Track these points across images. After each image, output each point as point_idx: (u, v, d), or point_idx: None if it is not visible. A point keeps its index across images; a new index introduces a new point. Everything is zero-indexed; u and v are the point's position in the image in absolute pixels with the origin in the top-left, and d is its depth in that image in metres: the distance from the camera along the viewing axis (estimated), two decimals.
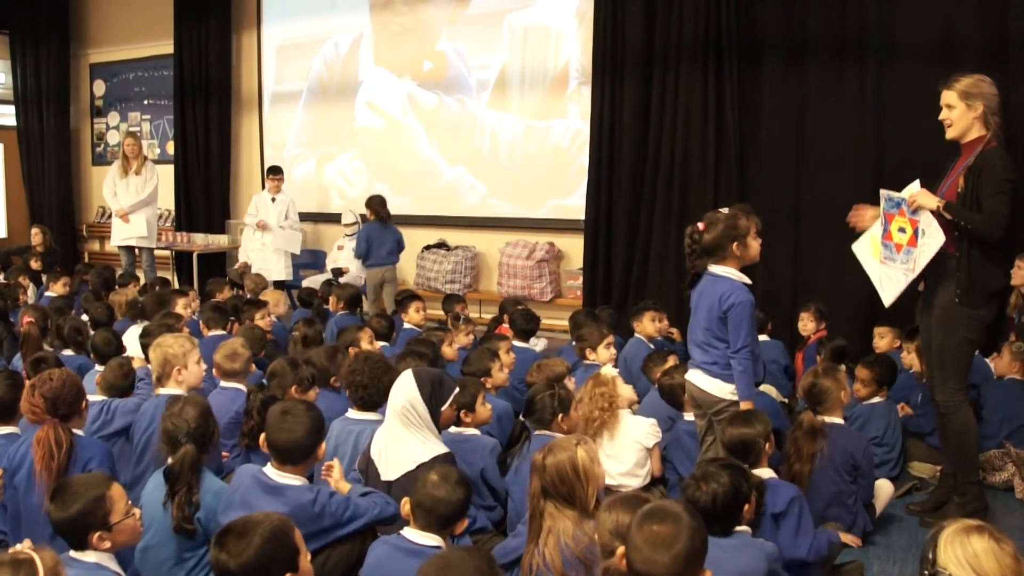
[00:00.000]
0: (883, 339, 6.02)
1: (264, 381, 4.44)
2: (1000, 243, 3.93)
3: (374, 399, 3.94)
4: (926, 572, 2.07)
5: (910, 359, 5.49)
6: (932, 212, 3.88)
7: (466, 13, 9.19)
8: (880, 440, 4.86)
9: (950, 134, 4.02)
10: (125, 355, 4.98)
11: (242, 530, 2.41)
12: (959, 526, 2.20)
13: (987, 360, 5.38)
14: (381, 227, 8.35)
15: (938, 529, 2.22)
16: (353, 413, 3.99)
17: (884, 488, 4.34)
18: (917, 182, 4.01)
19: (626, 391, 4.29)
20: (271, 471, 3.16)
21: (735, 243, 3.73)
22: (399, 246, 8.46)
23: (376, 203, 8.43)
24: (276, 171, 9.47)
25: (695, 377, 3.87)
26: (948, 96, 3.97)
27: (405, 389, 3.48)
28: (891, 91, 6.58)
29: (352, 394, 4.00)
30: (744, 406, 3.70)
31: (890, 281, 4.12)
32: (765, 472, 3.42)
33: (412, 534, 2.84)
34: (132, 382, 4.43)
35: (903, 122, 6.35)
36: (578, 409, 4.08)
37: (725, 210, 3.80)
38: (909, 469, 4.98)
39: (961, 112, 3.94)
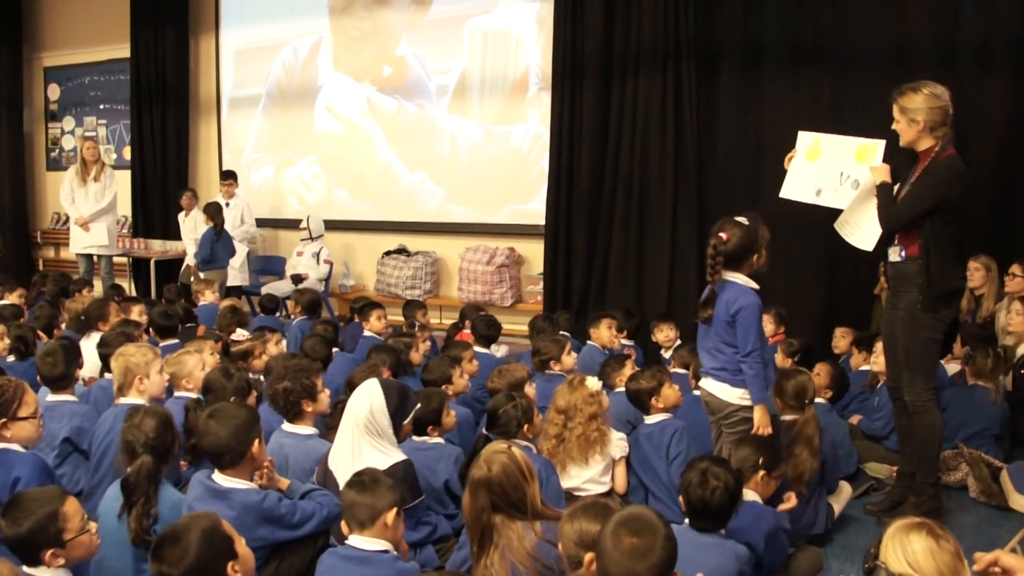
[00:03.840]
0: (844, 339, 6.09)
1: (201, 397, 4.37)
2: (952, 247, 3.98)
3: (299, 402, 3.86)
4: (867, 565, 2.12)
5: (857, 361, 5.57)
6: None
7: (426, 18, 9.16)
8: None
9: (901, 142, 4.09)
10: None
11: (174, 537, 2.38)
12: (903, 523, 2.25)
13: (942, 362, 5.44)
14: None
15: (885, 526, 2.26)
16: (287, 426, 3.91)
17: (842, 489, 4.41)
18: (882, 141, 4.10)
19: (607, 402, 4.25)
20: (217, 476, 3.13)
21: (755, 254, 3.75)
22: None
23: (212, 210, 8.67)
24: (228, 176, 9.39)
25: (706, 383, 3.87)
26: (893, 108, 4.04)
27: (371, 398, 3.44)
28: (847, 96, 6.66)
29: (278, 404, 3.91)
30: (757, 410, 3.70)
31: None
32: (750, 495, 3.42)
33: (358, 541, 2.80)
34: (61, 374, 4.33)
35: (859, 127, 6.30)
36: (568, 427, 4.05)
37: (742, 219, 3.77)
38: (866, 470, 5.02)
39: (904, 125, 4.01)
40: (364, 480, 2.87)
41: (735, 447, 3.63)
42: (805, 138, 4.39)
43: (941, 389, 5.05)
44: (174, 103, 10.71)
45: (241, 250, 9.22)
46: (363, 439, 3.41)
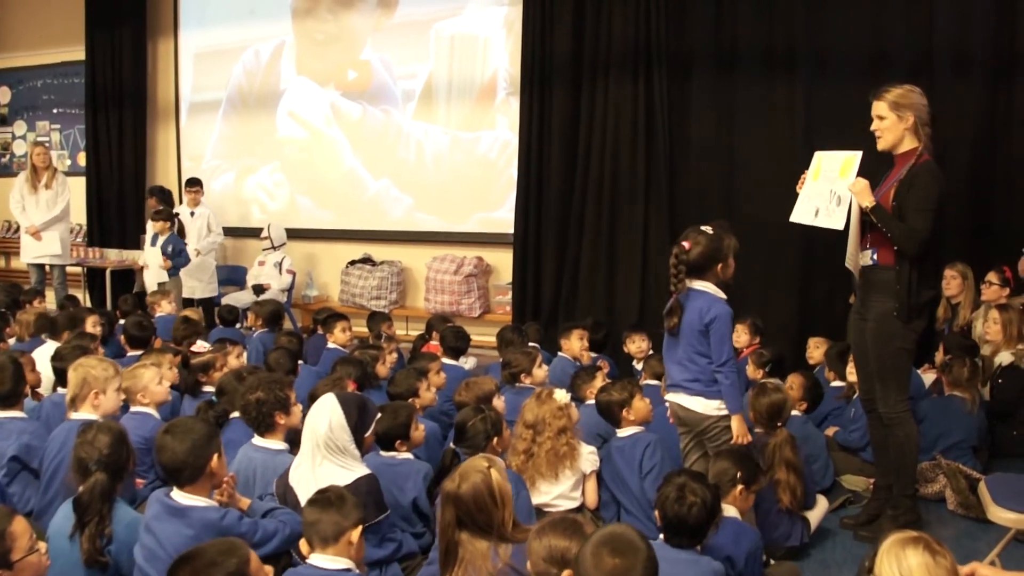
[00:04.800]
0: (818, 349, 6.11)
1: (214, 398, 4.36)
2: (928, 256, 3.99)
3: (272, 414, 3.83)
4: None
5: (831, 375, 5.60)
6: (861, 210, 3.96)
7: (391, 21, 9.14)
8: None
9: (881, 145, 4.07)
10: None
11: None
12: (899, 537, 2.25)
13: (919, 372, 5.48)
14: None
15: (882, 539, 2.27)
16: (257, 440, 3.88)
17: (819, 502, 4.42)
18: (859, 153, 4.05)
19: (576, 415, 4.23)
20: (176, 493, 3.09)
21: (719, 264, 3.76)
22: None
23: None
24: (193, 183, 9.29)
25: (678, 398, 3.87)
26: (879, 107, 4.02)
27: (329, 415, 3.41)
28: (821, 102, 6.72)
29: (250, 416, 3.87)
30: (735, 420, 3.73)
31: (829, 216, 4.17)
32: (729, 510, 3.41)
33: (320, 560, 2.77)
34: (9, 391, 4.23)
35: (833, 133, 6.39)
36: (537, 442, 4.03)
37: (707, 228, 3.80)
38: (842, 483, 5.03)
39: (892, 123, 3.99)
40: (329, 497, 2.84)
41: (712, 460, 3.63)
42: (815, 158, 4.35)
43: (918, 399, 5.10)
44: (131, 107, 10.58)
45: (209, 261, 9.12)
46: (325, 456, 3.38)
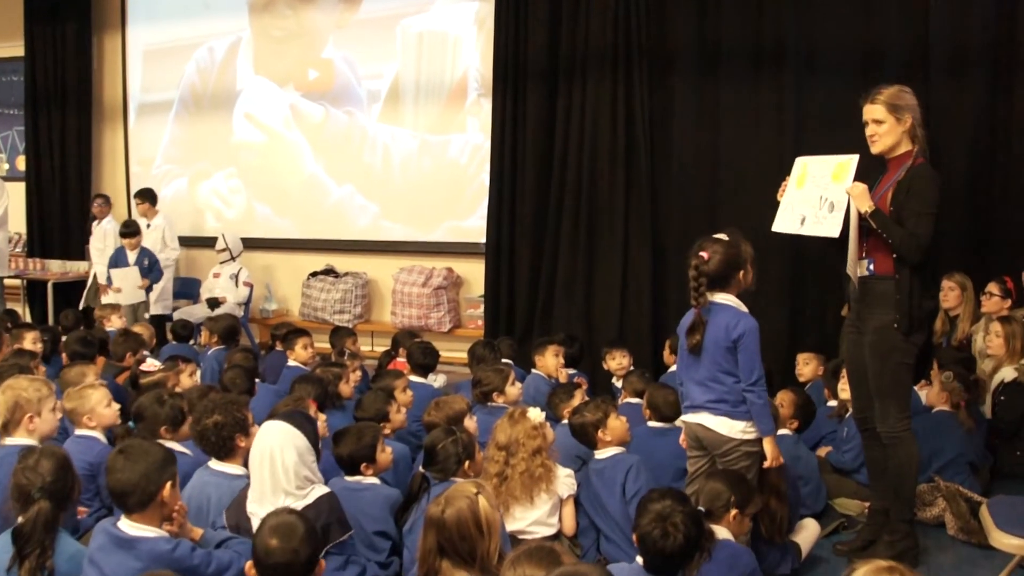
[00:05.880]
0: (808, 365, 6.13)
1: (131, 424, 4.30)
2: (927, 264, 4.02)
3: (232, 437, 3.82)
4: None
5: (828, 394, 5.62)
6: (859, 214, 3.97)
7: (355, 17, 9.14)
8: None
9: (876, 149, 4.09)
10: None
11: None
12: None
13: (916, 388, 5.49)
14: None
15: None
16: (214, 464, 3.85)
17: (810, 527, 4.40)
18: (856, 157, 4.06)
19: (552, 435, 4.22)
20: (124, 523, 3.04)
21: (740, 271, 3.76)
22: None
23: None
24: (144, 195, 9.23)
25: (700, 418, 3.82)
26: (874, 110, 4.04)
27: (292, 442, 3.40)
28: (811, 103, 6.77)
29: (209, 441, 3.84)
30: (767, 443, 3.72)
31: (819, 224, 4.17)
32: (721, 531, 3.41)
33: None
34: None
35: (824, 135, 6.44)
36: (510, 464, 4.02)
37: (721, 235, 3.79)
38: (835, 506, 5.04)
39: (890, 126, 4.01)
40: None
41: (705, 481, 3.62)
42: (798, 164, 4.36)
43: (914, 415, 5.11)
44: (75, 108, 10.51)
45: (167, 275, 9.06)
46: (283, 481, 3.36)
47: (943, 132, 6.10)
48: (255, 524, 3.29)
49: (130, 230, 8.45)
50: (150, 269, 8.43)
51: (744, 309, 3.77)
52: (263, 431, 3.51)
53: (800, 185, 4.27)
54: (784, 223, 4.28)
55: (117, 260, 8.56)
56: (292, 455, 3.37)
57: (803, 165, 4.32)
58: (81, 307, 9.14)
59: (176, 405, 4.21)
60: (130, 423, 4.37)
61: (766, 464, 3.75)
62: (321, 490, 3.41)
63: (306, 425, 3.50)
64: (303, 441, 3.41)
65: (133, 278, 8.41)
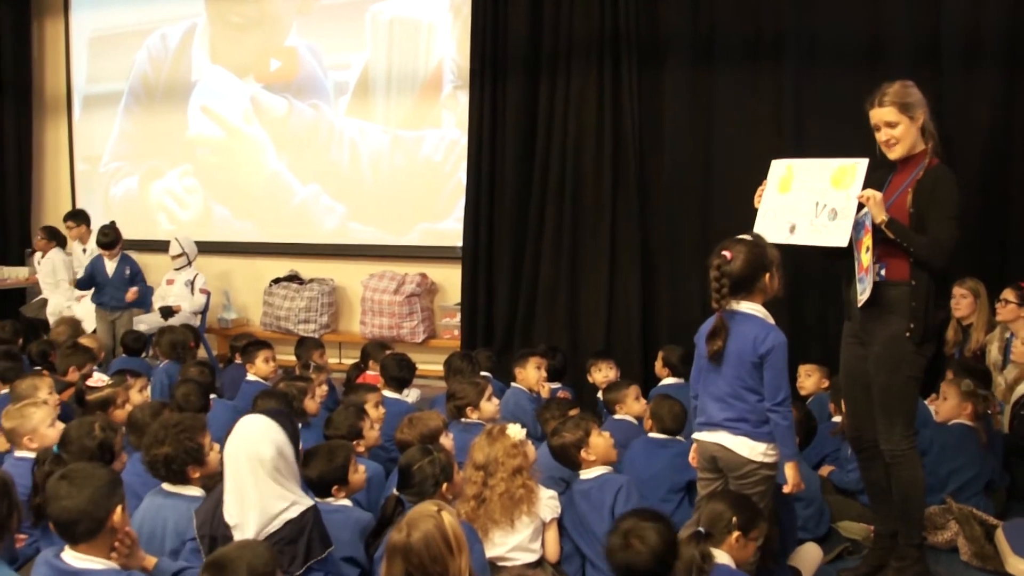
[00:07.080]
0: (810, 378, 6.13)
1: (55, 449, 4.22)
2: (944, 271, 4.02)
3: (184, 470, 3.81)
4: None
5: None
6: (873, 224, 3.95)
7: (321, 3, 9.14)
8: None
9: (896, 153, 4.05)
10: None
11: None
12: None
13: (926, 402, 5.49)
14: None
15: None
16: (168, 486, 3.83)
17: (811, 552, 4.38)
18: (865, 161, 4.02)
19: (533, 453, 4.19)
20: (68, 555, 3.00)
21: (766, 274, 3.72)
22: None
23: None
24: (75, 217, 9.18)
25: (718, 437, 3.77)
26: (884, 113, 4.01)
27: (271, 435, 3.35)
28: (812, 95, 6.76)
29: (159, 473, 3.83)
30: (790, 468, 3.70)
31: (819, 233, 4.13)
32: (721, 555, 3.38)
33: None
34: None
35: (826, 130, 6.45)
36: (488, 485, 3.99)
37: (744, 236, 3.77)
38: (840, 530, 5.02)
39: (905, 127, 3.98)
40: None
41: (706, 501, 3.61)
42: (777, 167, 4.33)
43: (926, 430, 5.10)
44: (12, 100, 10.47)
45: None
46: (266, 483, 3.31)
47: (955, 128, 6.09)
48: (237, 535, 3.27)
49: (108, 239, 8.36)
50: (132, 279, 8.35)
51: (771, 321, 3.72)
52: (239, 427, 3.46)
53: (784, 190, 4.23)
54: (767, 231, 4.20)
55: (95, 272, 8.42)
56: (270, 449, 3.33)
57: (787, 168, 4.28)
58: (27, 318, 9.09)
59: (108, 440, 4.08)
60: (54, 448, 4.29)
61: (786, 489, 3.72)
62: (307, 502, 3.39)
63: (284, 419, 3.47)
64: (282, 434, 3.37)
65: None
